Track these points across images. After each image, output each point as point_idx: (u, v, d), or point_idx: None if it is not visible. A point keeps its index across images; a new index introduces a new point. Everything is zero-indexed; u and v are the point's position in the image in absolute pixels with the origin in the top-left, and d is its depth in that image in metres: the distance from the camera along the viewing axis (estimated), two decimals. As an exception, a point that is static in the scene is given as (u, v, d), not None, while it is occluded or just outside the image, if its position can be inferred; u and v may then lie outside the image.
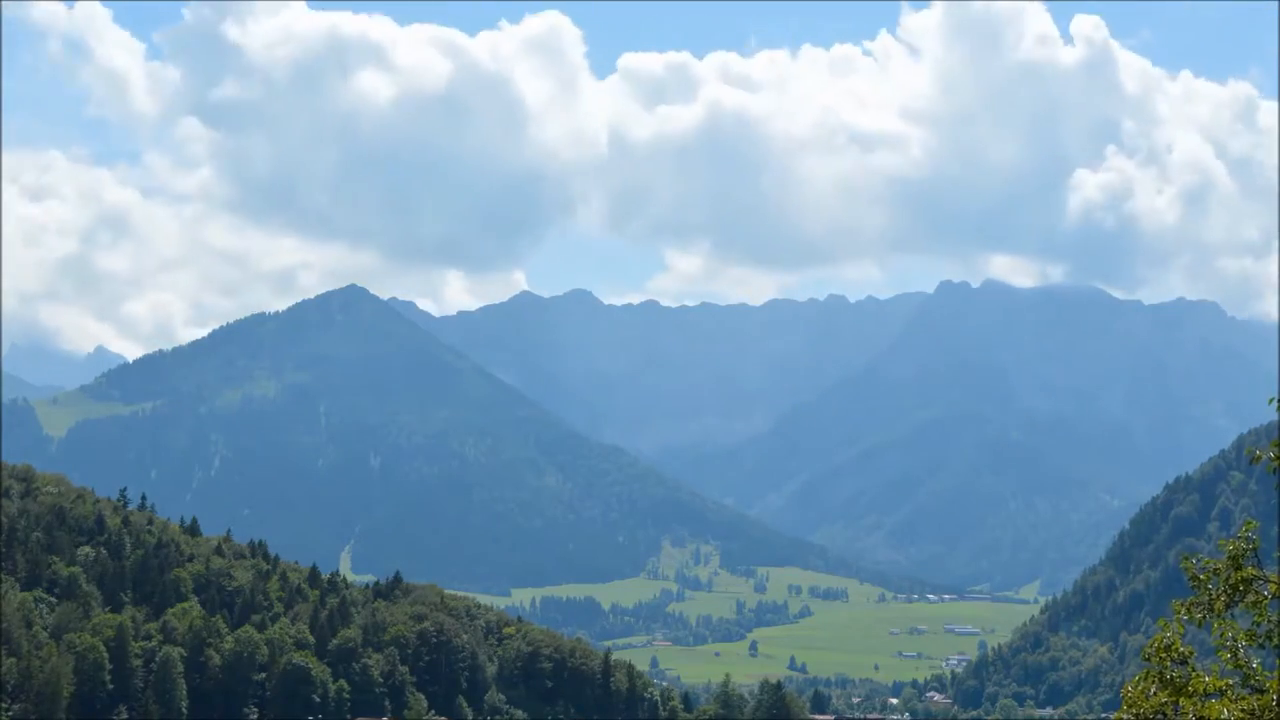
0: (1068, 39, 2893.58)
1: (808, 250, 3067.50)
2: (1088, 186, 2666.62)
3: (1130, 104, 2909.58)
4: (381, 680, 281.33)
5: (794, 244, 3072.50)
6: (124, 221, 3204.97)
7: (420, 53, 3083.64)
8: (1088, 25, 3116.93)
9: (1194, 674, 36.28)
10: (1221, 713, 35.20)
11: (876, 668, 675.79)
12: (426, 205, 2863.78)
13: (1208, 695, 35.96)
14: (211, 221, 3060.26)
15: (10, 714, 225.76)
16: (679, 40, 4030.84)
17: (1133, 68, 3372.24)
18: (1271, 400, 36.75)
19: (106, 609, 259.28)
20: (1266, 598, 36.24)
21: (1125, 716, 36.95)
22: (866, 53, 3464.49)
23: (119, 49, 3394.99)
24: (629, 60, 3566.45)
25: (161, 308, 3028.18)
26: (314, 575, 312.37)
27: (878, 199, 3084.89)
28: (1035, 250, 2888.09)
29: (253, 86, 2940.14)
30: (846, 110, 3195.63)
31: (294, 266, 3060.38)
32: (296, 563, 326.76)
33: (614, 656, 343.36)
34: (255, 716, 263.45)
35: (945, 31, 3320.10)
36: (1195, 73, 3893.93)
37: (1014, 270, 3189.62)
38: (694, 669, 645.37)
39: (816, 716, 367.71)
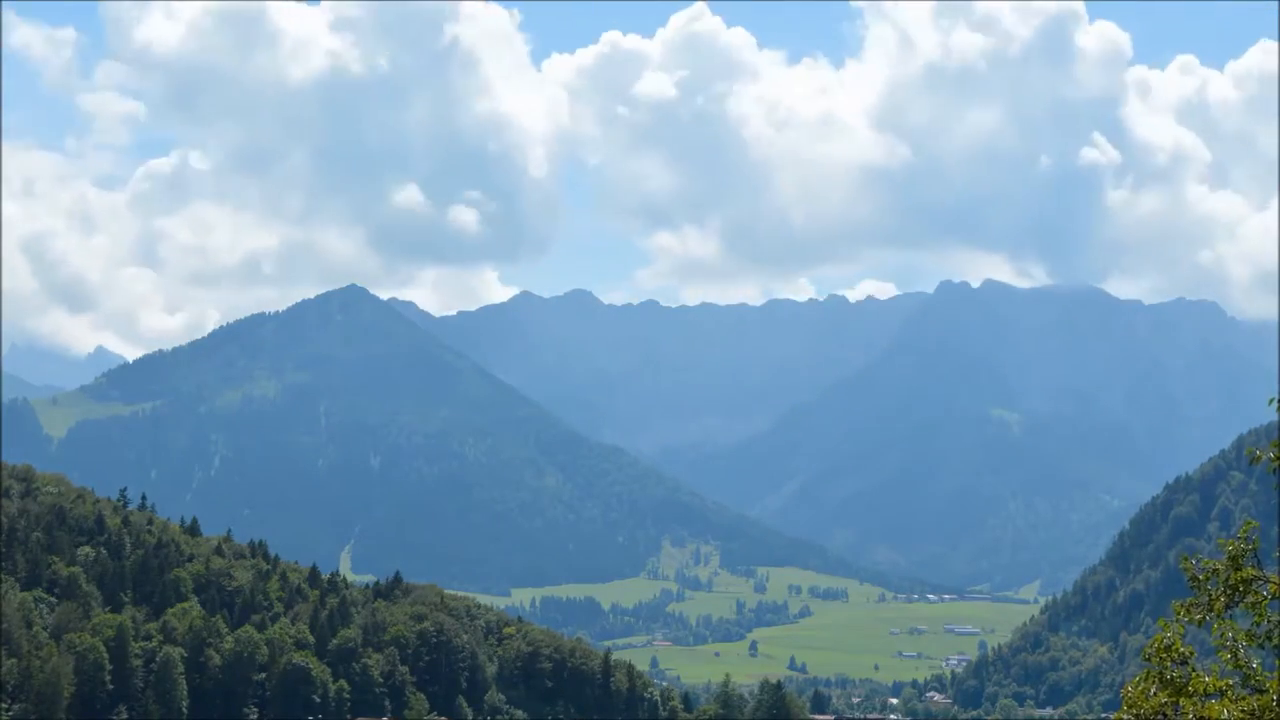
0: (1059, 34, 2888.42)
1: (797, 245, 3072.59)
2: (1083, 183, 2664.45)
3: (1119, 98, 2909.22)
4: (381, 680, 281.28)
5: (783, 239, 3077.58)
6: (82, 214, 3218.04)
7: (374, 34, 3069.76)
8: (1083, 19, 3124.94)
9: (1194, 674, 36.27)
10: (1222, 713, 35.20)
11: (876, 668, 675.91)
12: (400, 195, 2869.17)
13: (1208, 695, 35.95)
14: (178, 211, 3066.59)
15: (10, 714, 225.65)
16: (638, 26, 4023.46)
17: (1117, 59, 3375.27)
18: (1271, 400, 36.71)
19: (106, 609, 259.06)
20: (1266, 598, 36.23)
21: (1125, 717, 36.93)
22: (850, 50, 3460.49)
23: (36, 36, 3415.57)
24: (601, 49, 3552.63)
25: (130, 298, 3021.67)
26: (314, 575, 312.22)
27: (856, 195, 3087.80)
28: (1024, 248, 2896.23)
29: (207, 72, 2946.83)
30: (828, 106, 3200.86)
31: (258, 253, 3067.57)
32: (296, 563, 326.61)
33: (614, 656, 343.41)
34: (255, 716, 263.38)
35: (931, 25, 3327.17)
36: (1188, 65, 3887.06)
37: (1000, 267, 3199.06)
38: (694, 669, 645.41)
39: (816, 716, 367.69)
